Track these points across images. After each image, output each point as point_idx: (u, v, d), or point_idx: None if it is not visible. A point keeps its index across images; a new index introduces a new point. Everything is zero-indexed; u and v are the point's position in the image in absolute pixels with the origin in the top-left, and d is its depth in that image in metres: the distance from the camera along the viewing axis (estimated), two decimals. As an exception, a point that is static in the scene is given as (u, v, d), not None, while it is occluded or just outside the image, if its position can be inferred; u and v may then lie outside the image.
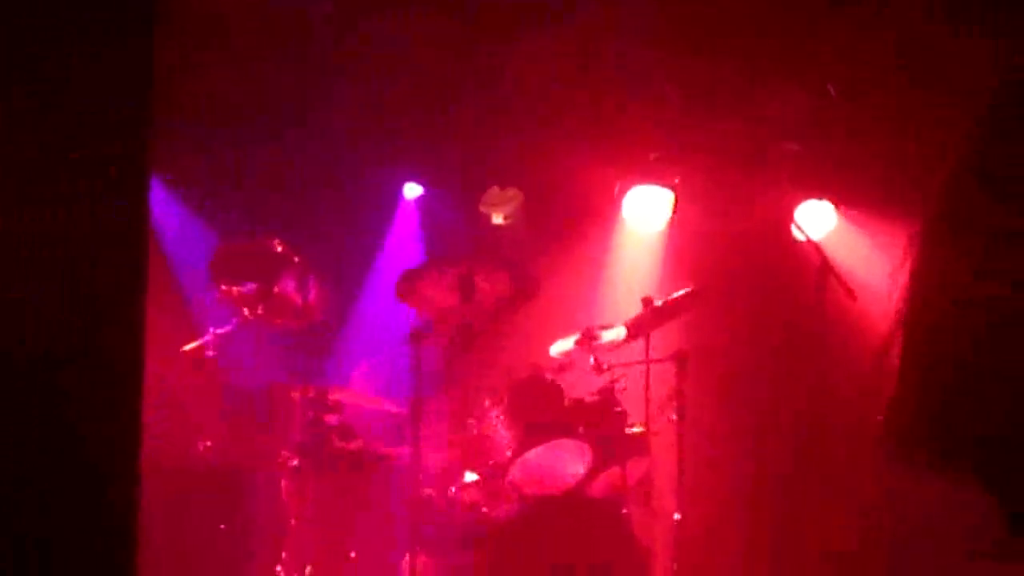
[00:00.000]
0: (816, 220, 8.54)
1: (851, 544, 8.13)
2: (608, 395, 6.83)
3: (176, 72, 7.15)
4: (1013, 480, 1.95)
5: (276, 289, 6.96)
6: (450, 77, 8.05)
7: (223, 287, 6.95)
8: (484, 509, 6.75)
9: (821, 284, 6.97)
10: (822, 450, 7.07)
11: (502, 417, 6.82)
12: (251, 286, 6.94)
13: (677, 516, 6.85)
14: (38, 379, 2.26)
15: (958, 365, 1.97)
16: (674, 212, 8.82)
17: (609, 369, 6.95)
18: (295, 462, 6.76)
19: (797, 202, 8.64)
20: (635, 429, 6.84)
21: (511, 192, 8.97)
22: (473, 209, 8.95)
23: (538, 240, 8.75)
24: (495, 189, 8.97)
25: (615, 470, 6.74)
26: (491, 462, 6.75)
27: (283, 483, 6.81)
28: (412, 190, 9.02)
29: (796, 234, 7.80)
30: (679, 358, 6.96)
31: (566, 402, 6.82)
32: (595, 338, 7.05)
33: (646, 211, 8.86)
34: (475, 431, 6.90)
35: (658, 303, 7.08)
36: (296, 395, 6.82)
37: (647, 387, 6.86)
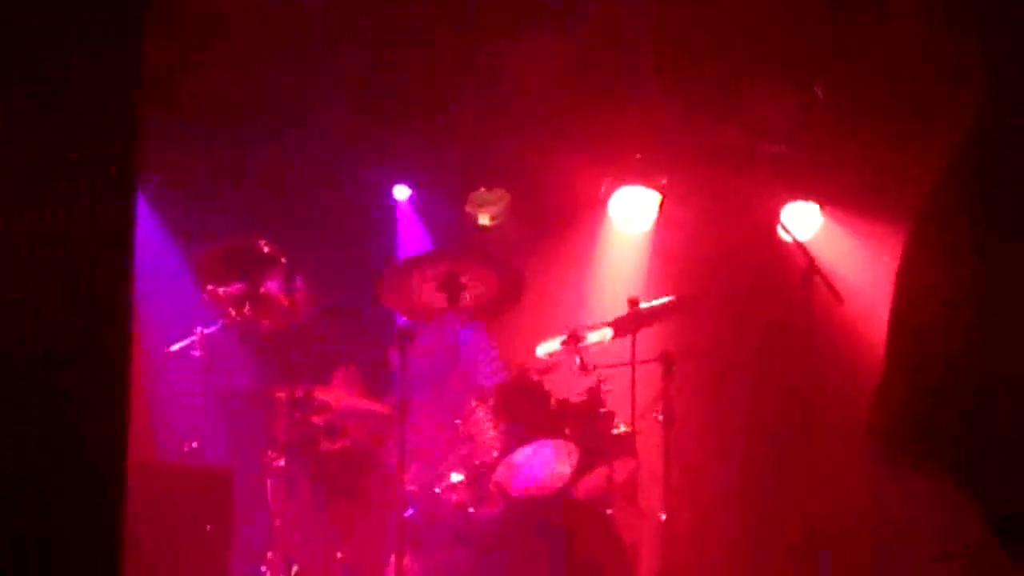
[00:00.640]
0: (802, 221, 8.56)
1: (836, 544, 8.15)
2: (594, 396, 6.84)
3: (163, 71, 7.15)
4: (995, 481, 1.96)
5: (262, 290, 6.95)
6: (437, 79, 8.05)
7: (210, 287, 6.95)
8: (470, 509, 6.74)
9: (807, 285, 6.98)
10: (808, 450, 7.07)
11: (488, 418, 6.82)
12: (237, 286, 6.93)
13: (663, 516, 6.86)
14: (23, 378, 2.26)
15: (946, 366, 1.98)
16: (660, 213, 8.83)
17: (595, 370, 6.95)
18: (281, 462, 6.75)
19: (783, 203, 8.66)
20: (621, 430, 6.84)
21: (498, 193, 8.97)
22: (460, 210, 8.95)
23: (524, 241, 8.75)
24: (482, 190, 8.97)
25: (601, 470, 6.74)
26: (477, 462, 6.75)
27: (269, 483, 6.80)
28: (401, 191, 9.01)
29: (782, 235, 7.81)
30: (665, 359, 6.97)
31: (552, 403, 6.82)
32: (581, 339, 7.06)
33: (632, 212, 8.88)
34: (461, 431, 6.90)
35: (644, 306, 7.09)
36: (282, 395, 6.82)
37: (633, 388, 6.86)
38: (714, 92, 8.12)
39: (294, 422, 6.76)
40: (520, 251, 8.39)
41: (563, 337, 7.09)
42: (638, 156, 8.71)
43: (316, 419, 6.86)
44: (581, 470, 6.76)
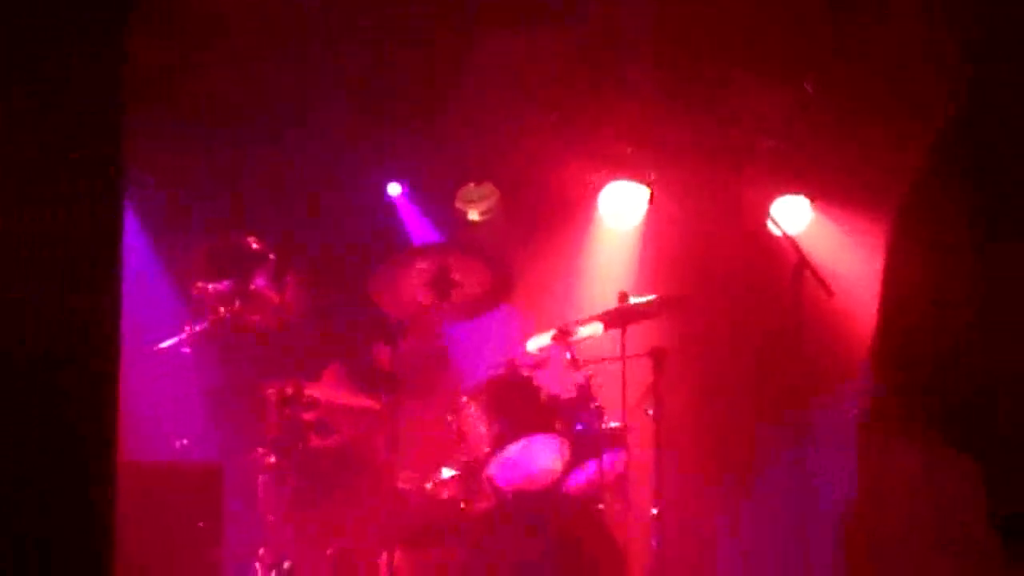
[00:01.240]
0: (792, 215, 8.56)
1: (829, 538, 8.15)
2: (585, 391, 6.84)
3: (154, 69, 7.14)
4: (993, 479, 1.96)
5: (251, 286, 6.94)
6: (427, 74, 8.04)
7: (199, 284, 6.94)
8: (461, 505, 6.74)
9: (797, 279, 6.98)
10: (799, 444, 7.08)
11: (479, 413, 6.82)
12: (226, 283, 6.92)
13: (654, 511, 6.86)
14: (11, 378, 2.25)
15: (936, 363, 1.98)
16: (650, 208, 8.83)
17: (585, 365, 6.95)
18: (272, 459, 6.74)
19: (773, 198, 8.66)
20: (612, 424, 6.84)
21: (487, 188, 8.97)
22: (450, 206, 8.94)
23: (514, 236, 8.74)
24: (471, 185, 8.97)
25: (592, 465, 6.74)
26: (468, 458, 6.74)
27: (260, 480, 6.80)
28: (393, 188, 8.99)
29: (772, 229, 7.81)
30: (656, 354, 6.97)
31: (543, 398, 6.82)
32: (571, 334, 7.06)
33: (622, 207, 8.88)
34: (452, 427, 6.90)
35: (633, 302, 7.09)
36: (272, 392, 6.81)
37: (624, 383, 6.86)
38: (703, 87, 8.12)
39: (284, 419, 6.75)
40: (510, 246, 8.39)
41: (553, 332, 7.09)
42: (628, 151, 8.71)
43: (306, 416, 6.85)
44: (572, 465, 6.76)
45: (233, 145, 8.26)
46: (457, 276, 6.90)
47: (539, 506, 6.76)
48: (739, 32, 7.53)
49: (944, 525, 2.02)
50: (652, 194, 8.77)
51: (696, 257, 8.67)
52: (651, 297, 7.28)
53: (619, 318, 7.03)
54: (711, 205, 8.76)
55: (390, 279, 6.97)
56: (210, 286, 6.92)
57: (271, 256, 6.98)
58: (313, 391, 6.93)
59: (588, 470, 6.78)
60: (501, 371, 7.01)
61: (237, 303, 6.91)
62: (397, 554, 6.42)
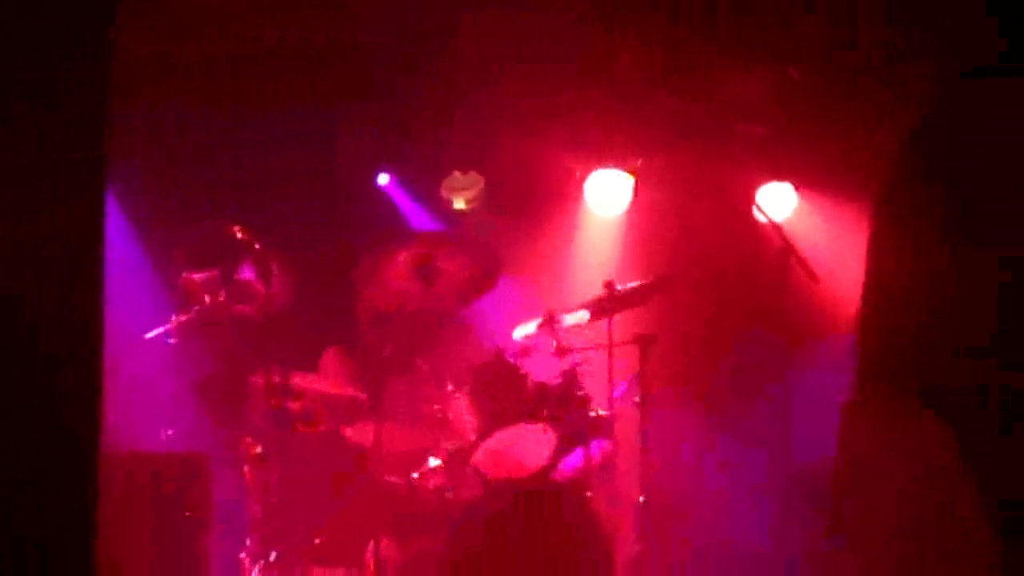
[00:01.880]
0: (778, 202, 8.57)
1: (818, 523, 8.17)
2: (571, 378, 6.83)
3: (138, 57, 7.12)
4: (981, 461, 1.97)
5: (237, 276, 6.92)
6: (411, 62, 8.03)
7: (184, 274, 6.92)
8: (448, 494, 6.75)
9: (783, 266, 6.99)
10: (785, 431, 7.09)
11: (465, 402, 6.82)
12: (212, 273, 6.90)
13: (641, 499, 6.86)
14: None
15: (920, 342, 1.99)
16: (635, 195, 8.84)
17: (571, 352, 6.95)
18: (258, 449, 6.73)
19: (758, 184, 8.67)
20: (598, 412, 6.84)
21: (472, 177, 8.96)
22: (435, 195, 8.94)
23: (500, 224, 8.73)
24: (456, 174, 8.96)
25: (579, 453, 6.74)
26: (454, 447, 6.74)
27: (246, 470, 6.79)
28: (382, 178, 8.97)
29: (758, 216, 7.82)
30: (642, 341, 6.97)
31: (529, 386, 6.82)
32: (557, 321, 7.05)
33: (608, 195, 8.88)
34: (438, 416, 6.89)
35: (620, 288, 7.09)
36: (259, 381, 6.79)
37: (611, 371, 6.86)
38: (688, 73, 8.12)
39: (270, 408, 6.74)
40: (496, 235, 8.38)
41: (539, 320, 7.08)
42: (614, 139, 8.71)
43: (293, 405, 6.84)
44: (558, 453, 6.76)
45: (218, 135, 8.23)
46: (442, 264, 6.89)
47: (525, 494, 6.76)
48: (724, 18, 7.53)
49: (928, 504, 2.03)
50: (637, 182, 8.79)
51: (682, 244, 8.68)
52: (636, 283, 7.28)
53: (605, 306, 7.03)
54: (697, 192, 8.76)
55: (375, 268, 6.96)
56: (195, 276, 6.90)
57: (256, 245, 6.95)
58: (299, 381, 6.92)
59: (574, 458, 6.78)
60: (487, 359, 7.00)
61: (223, 293, 6.89)
62: (383, 543, 6.42)
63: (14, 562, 2.22)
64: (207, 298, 6.89)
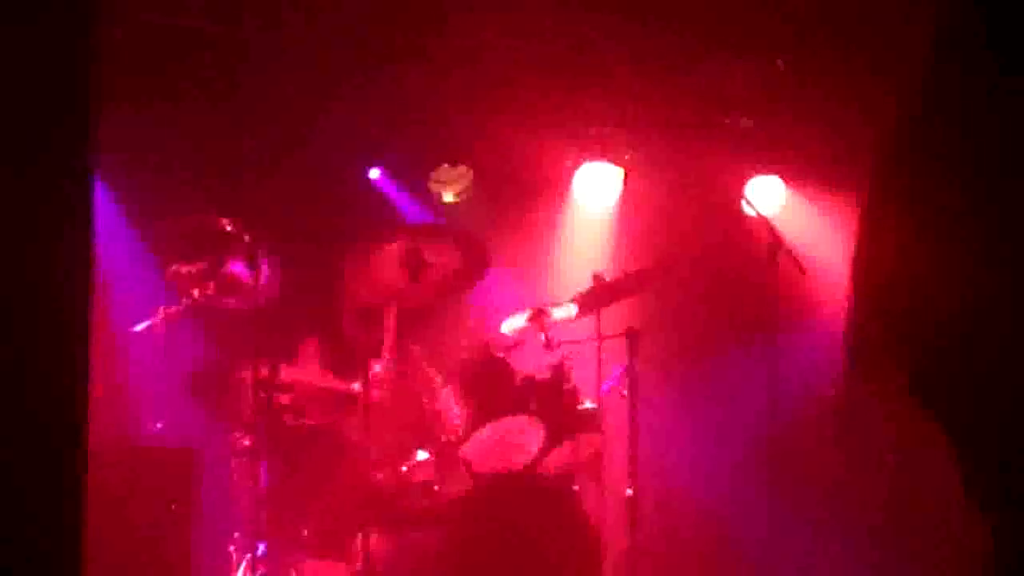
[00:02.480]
0: (766, 196, 8.58)
1: (807, 515, 8.19)
2: (559, 372, 6.84)
3: (124, 46, 7.10)
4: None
5: (225, 268, 6.90)
6: (398, 53, 8.01)
7: (172, 267, 6.90)
8: (436, 487, 6.74)
9: (772, 259, 7.00)
10: (774, 423, 7.11)
11: (454, 395, 6.82)
12: (200, 265, 6.88)
13: (629, 492, 6.87)
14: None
15: (913, 325, 1.98)
16: (625, 188, 8.85)
17: (560, 346, 6.95)
18: (246, 441, 6.73)
19: (747, 178, 8.68)
20: (587, 405, 6.85)
21: (461, 170, 8.95)
22: (424, 187, 8.93)
23: (489, 217, 8.73)
24: (445, 167, 8.95)
25: (567, 447, 6.74)
26: (443, 440, 6.74)
27: (234, 463, 6.78)
28: (373, 173, 8.95)
29: (746, 210, 7.83)
30: (630, 334, 6.97)
31: (518, 379, 6.82)
32: (546, 315, 7.05)
33: (596, 188, 8.89)
34: (427, 409, 6.89)
35: (609, 279, 7.09)
36: (247, 374, 6.78)
37: (599, 364, 6.87)
38: (677, 66, 8.12)
39: (259, 401, 6.72)
40: (484, 228, 8.37)
41: (528, 313, 7.08)
42: (603, 132, 8.71)
43: (281, 398, 6.83)
44: (547, 447, 6.75)
45: (206, 127, 8.22)
46: (429, 257, 6.87)
47: (514, 488, 6.76)
48: (712, 10, 7.53)
49: (919, 495, 2.03)
50: (627, 175, 8.79)
51: (671, 238, 8.68)
52: (634, 270, 7.29)
53: (594, 299, 7.03)
54: (686, 185, 8.77)
55: (362, 261, 6.94)
56: (184, 268, 6.88)
57: (245, 238, 6.94)
58: (288, 373, 6.91)
59: (563, 452, 6.78)
60: (475, 353, 7.00)
61: (211, 286, 6.87)
62: (372, 537, 6.42)
63: (0, 556, 2.21)
64: (195, 291, 6.87)
